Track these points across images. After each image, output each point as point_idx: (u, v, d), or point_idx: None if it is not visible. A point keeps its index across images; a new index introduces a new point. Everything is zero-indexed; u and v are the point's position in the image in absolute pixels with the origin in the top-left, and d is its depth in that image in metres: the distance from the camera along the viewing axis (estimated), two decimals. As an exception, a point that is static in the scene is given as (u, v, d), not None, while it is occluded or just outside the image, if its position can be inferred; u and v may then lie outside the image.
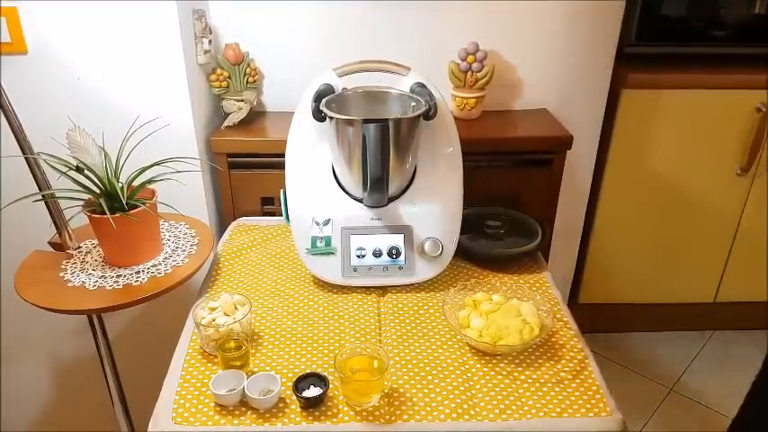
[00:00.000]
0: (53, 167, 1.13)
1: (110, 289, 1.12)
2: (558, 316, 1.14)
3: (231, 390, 0.94)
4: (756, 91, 1.74)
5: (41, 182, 1.16)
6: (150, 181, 1.18)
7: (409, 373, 1.00)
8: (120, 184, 1.14)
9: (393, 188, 1.20)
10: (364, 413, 0.92)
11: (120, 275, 1.16)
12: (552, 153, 1.56)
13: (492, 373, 1.01)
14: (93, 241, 1.26)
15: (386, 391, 0.96)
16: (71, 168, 1.12)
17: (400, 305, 1.17)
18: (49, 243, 1.25)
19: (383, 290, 1.22)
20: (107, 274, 1.16)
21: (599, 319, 2.12)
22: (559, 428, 0.91)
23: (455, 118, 1.30)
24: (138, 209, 1.12)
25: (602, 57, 1.67)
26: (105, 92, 1.36)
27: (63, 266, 1.20)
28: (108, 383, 1.33)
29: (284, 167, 1.25)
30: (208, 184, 1.52)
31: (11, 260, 1.31)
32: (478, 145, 1.51)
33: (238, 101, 1.54)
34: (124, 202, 1.11)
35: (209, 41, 1.47)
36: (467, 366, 1.02)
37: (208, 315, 1.07)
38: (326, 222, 1.21)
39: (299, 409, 0.93)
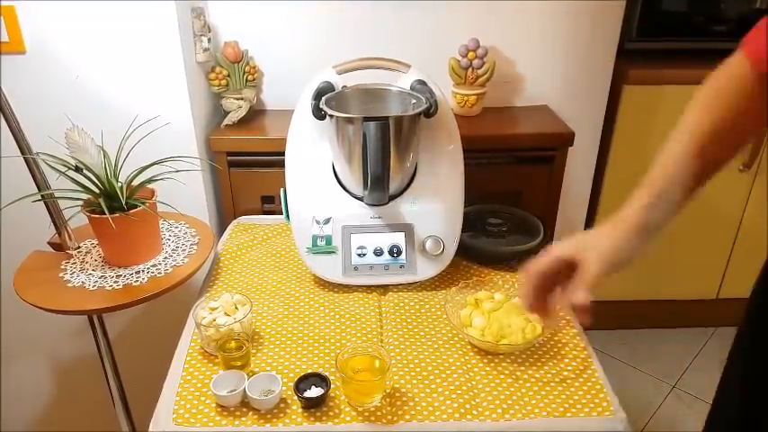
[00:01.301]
0: (52, 167, 1.13)
1: (109, 289, 1.12)
2: (561, 314, 1.13)
3: (232, 390, 0.93)
4: (758, 86, 1.73)
5: (40, 182, 1.15)
6: (150, 180, 1.17)
7: (411, 373, 1.00)
8: (120, 184, 1.14)
9: (394, 186, 1.19)
10: (366, 413, 0.92)
11: (120, 275, 1.15)
12: (553, 150, 1.55)
13: (494, 372, 1.00)
14: (92, 241, 1.26)
15: (387, 391, 0.95)
16: (70, 168, 1.11)
17: (401, 304, 1.17)
18: (48, 243, 1.24)
19: (384, 289, 1.21)
20: (107, 274, 1.16)
21: (601, 317, 2.11)
22: (562, 428, 0.91)
23: (456, 115, 1.29)
24: (138, 208, 1.12)
25: (603, 53, 1.66)
26: (104, 91, 1.35)
27: (63, 267, 1.19)
28: (109, 384, 1.33)
29: (284, 166, 1.24)
30: (208, 182, 1.52)
31: (10, 260, 1.31)
32: (479, 142, 1.50)
33: (238, 99, 1.54)
34: (123, 202, 1.10)
35: (209, 39, 1.46)
36: (469, 366, 1.01)
37: (208, 315, 1.06)
38: (327, 221, 1.20)
39: (300, 410, 0.92)
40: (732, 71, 0.77)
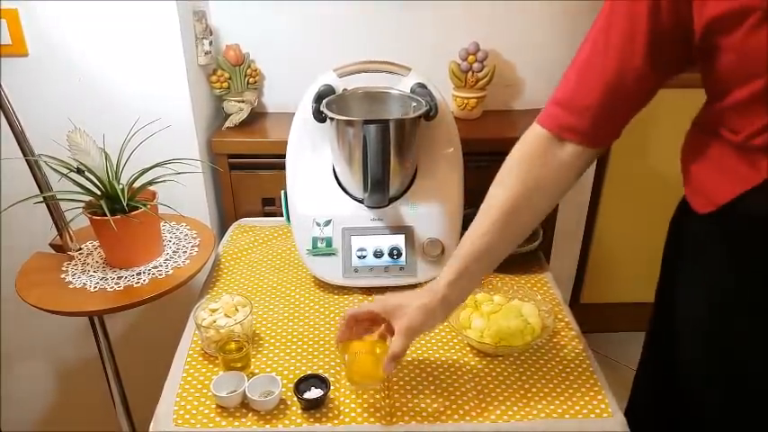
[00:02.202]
0: (54, 169, 1.13)
1: (111, 290, 1.12)
2: (560, 316, 1.14)
3: (232, 391, 0.94)
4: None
5: (42, 184, 1.16)
6: (151, 182, 1.18)
7: (411, 374, 1.00)
8: (121, 186, 1.14)
9: (394, 189, 1.20)
10: (366, 414, 0.92)
11: (121, 277, 1.16)
12: (553, 153, 1.55)
13: (493, 374, 1.00)
14: (94, 243, 1.26)
15: (389, 382, 0.96)
16: (72, 170, 1.12)
17: (401, 306, 1.17)
18: (50, 245, 1.25)
19: (384, 290, 1.21)
20: (108, 276, 1.16)
21: (601, 320, 2.12)
22: (561, 429, 0.91)
23: (456, 118, 1.29)
24: (139, 210, 1.12)
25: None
26: (106, 93, 1.36)
27: (64, 268, 1.20)
28: (109, 385, 1.33)
29: (285, 168, 1.24)
30: (209, 185, 1.52)
31: (12, 262, 1.31)
32: (479, 145, 1.50)
33: (239, 102, 1.54)
34: (125, 204, 1.11)
35: (210, 42, 1.47)
36: (468, 367, 1.02)
37: (209, 316, 1.07)
38: (327, 223, 1.21)
39: (300, 411, 0.93)
40: (528, 139, 0.90)
